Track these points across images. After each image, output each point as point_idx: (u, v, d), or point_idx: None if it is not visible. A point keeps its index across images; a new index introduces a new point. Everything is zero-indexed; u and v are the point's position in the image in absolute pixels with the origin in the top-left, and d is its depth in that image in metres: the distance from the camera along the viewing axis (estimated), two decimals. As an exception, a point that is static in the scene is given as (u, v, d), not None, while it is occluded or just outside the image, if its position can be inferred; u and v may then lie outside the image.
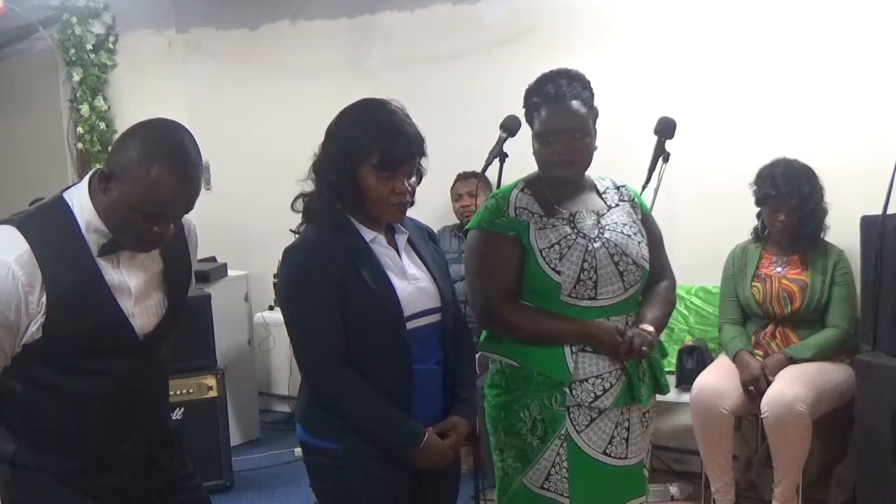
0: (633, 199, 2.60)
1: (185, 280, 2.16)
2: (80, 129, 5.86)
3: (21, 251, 1.84)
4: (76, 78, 5.86)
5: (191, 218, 2.17)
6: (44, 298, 1.86)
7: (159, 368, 2.14)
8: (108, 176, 1.89)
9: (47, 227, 1.91)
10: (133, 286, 1.98)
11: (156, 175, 1.85)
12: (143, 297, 2.01)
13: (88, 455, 2.00)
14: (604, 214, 2.51)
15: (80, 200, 1.93)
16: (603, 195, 2.56)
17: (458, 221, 4.55)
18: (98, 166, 1.96)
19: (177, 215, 1.95)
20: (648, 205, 3.09)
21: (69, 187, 2.00)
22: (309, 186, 2.26)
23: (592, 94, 2.47)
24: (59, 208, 1.94)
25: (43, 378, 1.94)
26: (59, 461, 1.97)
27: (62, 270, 1.87)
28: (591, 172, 2.56)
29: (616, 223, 2.50)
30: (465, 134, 4.40)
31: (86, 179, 1.97)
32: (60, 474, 1.97)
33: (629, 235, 2.49)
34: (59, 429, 1.97)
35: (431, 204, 4.52)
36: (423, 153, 2.25)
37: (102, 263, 1.93)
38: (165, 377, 2.22)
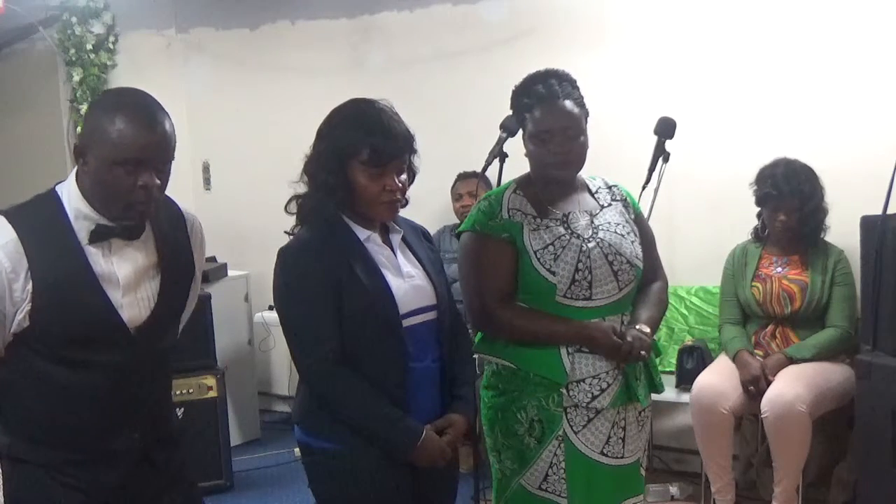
0: (626, 199, 2.60)
1: (185, 273, 2.15)
2: (80, 129, 5.85)
3: (7, 239, 1.88)
4: (76, 78, 5.85)
5: (194, 214, 2.19)
6: (29, 286, 1.88)
7: (157, 364, 2.12)
8: (82, 148, 1.93)
9: (35, 216, 1.94)
10: (122, 276, 1.98)
11: (121, 124, 1.88)
12: (132, 289, 2.00)
13: (81, 448, 2.00)
14: (597, 214, 2.51)
15: (68, 189, 1.97)
16: (595, 195, 2.56)
17: (458, 221, 4.54)
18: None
19: (155, 161, 1.93)
20: (649, 205, 3.10)
21: (61, 181, 2.02)
22: (302, 188, 2.27)
23: (581, 95, 2.47)
24: (49, 199, 1.97)
25: (34, 368, 1.95)
26: (51, 454, 1.97)
27: (49, 258, 1.89)
28: (585, 172, 2.55)
29: (609, 223, 2.50)
30: (465, 134, 4.42)
31: (73, 171, 2.00)
32: (53, 467, 1.97)
33: (623, 235, 2.49)
34: (50, 421, 1.97)
35: (431, 204, 4.54)
36: (412, 150, 2.27)
37: (91, 252, 1.95)
38: (165, 374, 2.21)
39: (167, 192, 2.16)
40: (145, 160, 1.90)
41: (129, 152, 1.88)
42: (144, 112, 1.93)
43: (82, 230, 1.94)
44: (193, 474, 2.25)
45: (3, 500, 2.01)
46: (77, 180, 1.96)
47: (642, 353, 2.41)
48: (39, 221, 1.93)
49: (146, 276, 2.04)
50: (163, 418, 2.19)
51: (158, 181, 1.94)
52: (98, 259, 1.95)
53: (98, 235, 1.95)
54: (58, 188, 1.99)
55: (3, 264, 1.86)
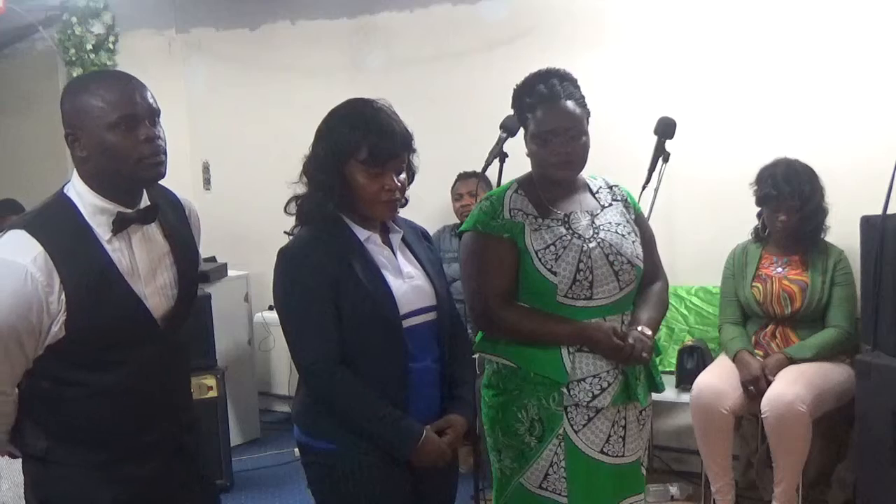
0: (626, 199, 2.60)
1: (194, 261, 2.18)
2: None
3: (35, 253, 1.86)
4: (76, 78, 5.85)
5: (191, 201, 2.22)
6: (63, 296, 1.88)
7: (181, 355, 2.17)
8: (73, 132, 1.94)
9: (54, 224, 1.92)
10: (141, 267, 2.00)
11: (101, 90, 1.92)
12: (152, 278, 2.03)
13: (121, 445, 2.01)
14: (598, 214, 2.51)
15: (76, 189, 1.97)
16: (596, 195, 2.56)
17: (459, 221, 4.55)
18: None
19: (146, 113, 1.94)
20: (649, 205, 3.10)
21: (67, 182, 2.02)
22: (302, 189, 2.28)
23: (583, 95, 2.47)
24: (61, 204, 1.97)
25: (70, 375, 1.96)
26: (91, 454, 1.99)
27: (76, 265, 1.89)
28: (586, 171, 2.55)
29: (610, 223, 2.50)
30: (465, 134, 4.42)
31: (74, 170, 2.00)
32: (93, 466, 1.99)
33: (623, 235, 2.49)
34: (89, 423, 1.98)
35: (431, 204, 4.54)
36: (410, 149, 2.27)
37: (111, 249, 1.95)
38: (187, 363, 2.25)
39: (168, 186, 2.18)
40: (136, 114, 1.91)
41: (119, 110, 1.90)
42: (115, 74, 2.01)
43: (101, 225, 1.95)
44: (209, 468, 2.29)
45: (22, 500, 2.02)
46: (81, 176, 1.96)
47: (643, 355, 2.41)
48: (59, 229, 1.92)
49: (161, 265, 2.06)
50: (188, 405, 2.24)
51: (158, 133, 1.95)
52: (119, 255, 1.96)
53: (119, 225, 1.95)
54: (66, 190, 1.99)
55: (38, 279, 1.85)
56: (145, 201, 2.03)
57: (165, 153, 1.97)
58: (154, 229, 2.05)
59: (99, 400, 1.97)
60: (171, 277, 2.07)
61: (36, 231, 1.89)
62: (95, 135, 1.91)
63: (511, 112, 2.59)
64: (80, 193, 1.96)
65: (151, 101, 1.96)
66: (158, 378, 2.05)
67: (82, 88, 1.95)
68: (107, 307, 1.93)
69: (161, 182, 2.12)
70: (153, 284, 2.02)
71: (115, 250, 1.96)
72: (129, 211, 1.98)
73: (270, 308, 5.21)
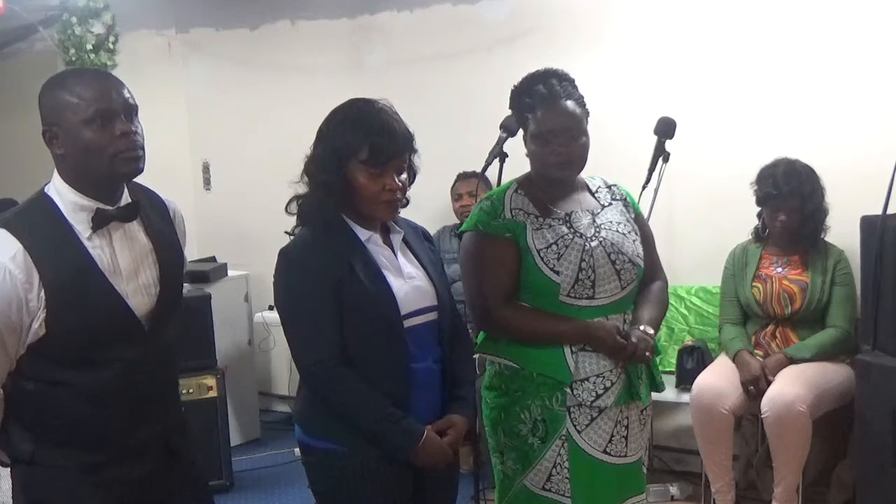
0: (625, 198, 2.60)
1: (178, 261, 2.18)
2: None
3: (14, 250, 1.87)
4: (76, 78, 5.83)
5: (176, 203, 2.22)
6: (42, 294, 1.88)
7: (167, 356, 2.16)
8: (49, 129, 1.94)
9: (34, 222, 1.94)
10: (123, 265, 2.00)
11: (76, 86, 1.92)
12: (134, 276, 2.02)
13: (108, 447, 2.01)
14: (598, 213, 2.51)
15: (56, 187, 1.98)
16: (595, 194, 2.56)
17: (458, 221, 4.55)
18: None
19: (121, 107, 1.94)
20: (649, 205, 3.11)
21: (48, 182, 2.02)
22: (303, 189, 2.28)
23: (582, 95, 2.47)
24: (41, 202, 1.98)
25: (54, 375, 1.96)
26: (78, 456, 1.99)
27: (56, 263, 1.90)
28: (585, 171, 2.55)
29: (611, 222, 2.50)
30: (465, 134, 4.42)
31: (55, 171, 2.01)
32: (81, 469, 1.98)
33: (624, 234, 2.49)
34: (76, 423, 1.98)
35: (431, 204, 4.54)
36: (412, 149, 2.27)
37: (92, 247, 1.96)
38: (174, 365, 2.24)
39: (157, 189, 2.18)
40: (112, 109, 1.92)
41: (95, 105, 1.91)
42: (91, 71, 2.03)
43: (81, 223, 1.95)
44: (203, 470, 2.27)
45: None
46: (60, 174, 1.97)
47: (647, 354, 2.41)
48: (38, 226, 1.93)
49: (144, 263, 2.05)
50: (177, 406, 2.23)
51: (135, 129, 1.95)
52: (100, 252, 1.97)
53: (99, 222, 1.96)
54: (46, 189, 2.00)
55: (17, 276, 1.86)
56: (126, 199, 2.03)
57: (143, 148, 1.98)
58: (136, 227, 2.06)
59: (84, 401, 1.97)
60: (153, 276, 2.07)
61: (15, 229, 1.90)
62: (72, 131, 1.91)
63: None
64: (60, 191, 1.96)
65: (128, 96, 1.97)
66: (145, 379, 2.04)
67: (58, 85, 1.95)
68: (87, 304, 1.93)
69: (161, 183, 2.12)
70: (135, 282, 2.02)
71: (96, 247, 1.96)
72: (109, 208, 1.98)
73: (270, 308, 5.22)
